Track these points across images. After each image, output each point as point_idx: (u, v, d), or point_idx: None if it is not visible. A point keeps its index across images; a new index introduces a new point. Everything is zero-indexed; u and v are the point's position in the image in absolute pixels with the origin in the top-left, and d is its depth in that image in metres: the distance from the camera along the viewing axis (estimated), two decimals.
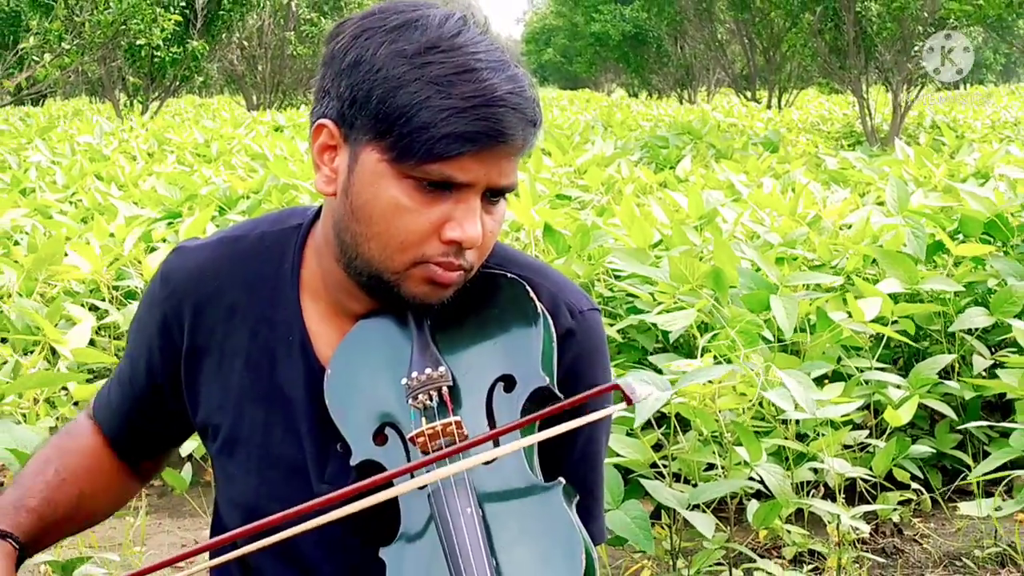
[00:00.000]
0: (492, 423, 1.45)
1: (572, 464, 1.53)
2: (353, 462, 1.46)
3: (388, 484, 1.41)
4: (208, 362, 1.60)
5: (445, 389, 1.46)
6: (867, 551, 3.21)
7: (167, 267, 1.64)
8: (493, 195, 1.45)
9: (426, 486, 1.40)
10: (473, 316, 1.54)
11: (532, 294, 1.53)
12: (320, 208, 1.59)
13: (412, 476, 1.41)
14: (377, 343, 1.53)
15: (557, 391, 1.46)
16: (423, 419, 1.44)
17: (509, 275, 1.56)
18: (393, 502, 1.41)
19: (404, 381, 1.46)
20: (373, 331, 1.54)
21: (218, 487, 1.66)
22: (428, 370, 1.46)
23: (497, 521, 1.39)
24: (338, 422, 1.49)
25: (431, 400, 1.45)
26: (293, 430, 1.56)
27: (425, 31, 1.40)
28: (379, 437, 1.47)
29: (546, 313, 1.52)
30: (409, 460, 1.43)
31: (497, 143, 1.39)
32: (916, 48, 15.53)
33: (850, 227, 4.65)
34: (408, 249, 1.43)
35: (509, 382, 1.47)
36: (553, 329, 1.51)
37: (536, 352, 1.49)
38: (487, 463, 1.41)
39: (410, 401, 1.45)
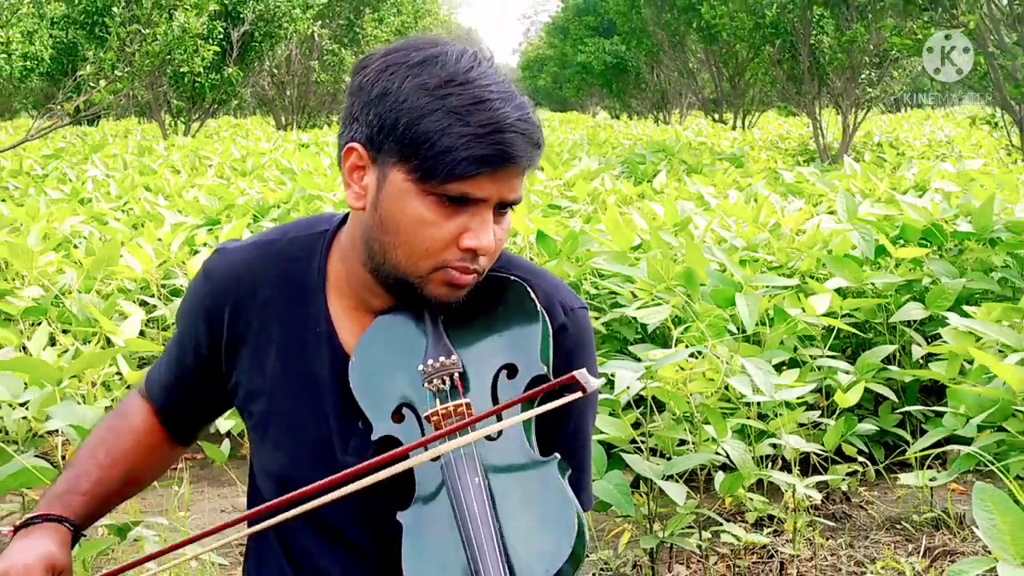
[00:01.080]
0: (496, 405, 1.46)
1: (564, 442, 1.52)
2: (374, 437, 1.46)
3: (404, 457, 1.41)
4: (245, 350, 1.60)
5: (456, 375, 1.47)
6: (819, 516, 3.21)
7: (209, 265, 1.64)
8: (502, 207, 1.46)
9: (439, 458, 1.40)
10: (481, 312, 1.54)
11: (532, 294, 1.54)
12: (344, 216, 1.60)
13: (426, 449, 1.41)
14: (396, 335, 1.53)
15: (553, 378, 1.47)
16: (437, 400, 1.45)
17: (512, 277, 1.56)
18: (409, 472, 1.41)
19: (420, 367, 1.47)
20: (392, 324, 1.54)
21: (253, 459, 1.66)
22: (442, 358, 1.47)
23: (501, 490, 1.39)
24: (360, 402, 1.49)
25: (444, 384, 1.46)
26: (320, 410, 1.56)
27: (444, 66, 1.42)
28: (396, 415, 1.47)
29: (543, 310, 1.53)
30: (423, 436, 1.44)
31: (508, 164, 1.41)
32: (863, 76, 15.54)
33: (804, 233, 4.66)
34: (431, 256, 1.44)
35: (512, 370, 1.48)
36: (549, 324, 1.53)
37: (535, 344, 1.50)
38: (490, 438, 1.42)
39: (425, 385, 1.46)
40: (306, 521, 1.48)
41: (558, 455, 1.43)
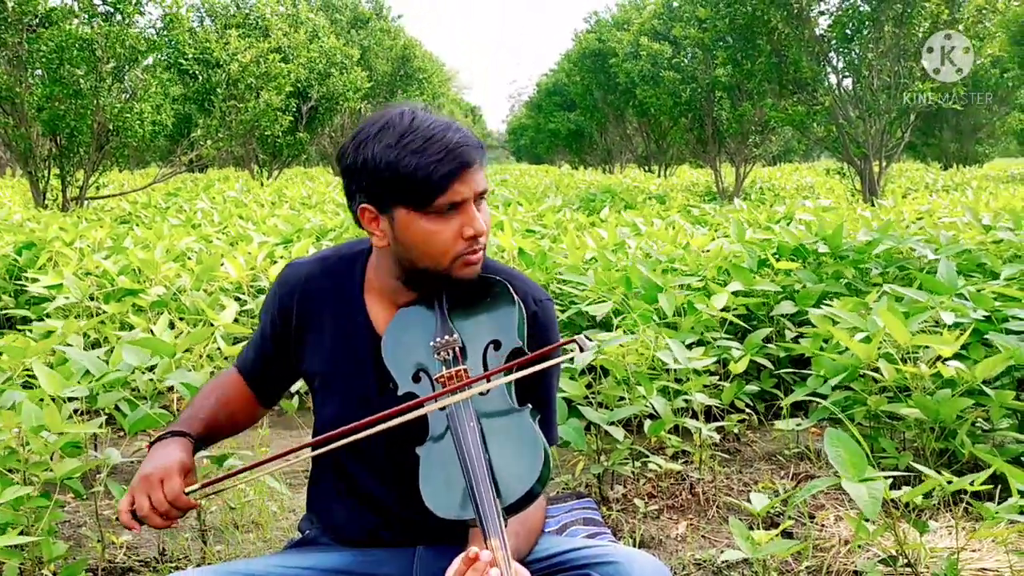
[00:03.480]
0: (486, 370, 1.47)
1: (537, 395, 1.53)
2: (399, 393, 1.47)
3: (420, 406, 1.42)
4: (309, 335, 1.61)
5: (457, 348, 1.48)
6: (717, 451, 3.21)
7: (283, 276, 1.65)
8: (479, 198, 1.47)
9: (445, 407, 1.41)
10: (474, 303, 1.55)
11: (511, 290, 1.55)
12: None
13: (436, 401, 1.42)
14: (413, 321, 1.54)
15: (527, 350, 1.49)
16: (443, 367, 1.46)
17: (497, 278, 1.57)
18: (423, 417, 1.42)
19: (431, 343, 1.48)
20: (410, 314, 1.55)
21: (316, 412, 1.65)
22: (447, 336, 1.48)
23: (490, 430, 1.39)
24: (390, 368, 1.50)
25: (449, 355, 1.47)
26: (362, 376, 1.56)
27: (394, 127, 1.43)
28: (415, 377, 1.48)
29: (520, 301, 1.53)
30: (433, 391, 1.45)
31: (467, 167, 1.42)
32: (750, 140, 15.60)
33: (709, 251, 4.66)
34: (447, 253, 1.45)
35: (497, 344, 1.49)
36: (524, 312, 1.53)
37: (514, 326, 1.50)
38: (482, 393, 1.42)
39: (435, 355, 1.47)
40: (352, 453, 1.49)
41: (530, 405, 1.44)
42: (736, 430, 3.50)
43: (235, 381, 1.71)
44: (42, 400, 2.15)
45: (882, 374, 2.68)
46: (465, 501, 1.33)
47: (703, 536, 2.57)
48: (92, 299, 4.12)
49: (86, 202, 10.45)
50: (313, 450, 1.49)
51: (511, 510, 1.34)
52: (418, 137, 1.41)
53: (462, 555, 1.28)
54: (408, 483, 1.47)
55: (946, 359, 2.64)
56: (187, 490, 1.44)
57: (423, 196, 1.40)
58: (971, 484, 1.76)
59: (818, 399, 2.90)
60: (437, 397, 1.43)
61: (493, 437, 1.39)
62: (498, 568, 1.25)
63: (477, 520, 1.30)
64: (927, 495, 1.98)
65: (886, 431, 2.93)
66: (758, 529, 1.98)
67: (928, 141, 25.37)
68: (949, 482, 1.72)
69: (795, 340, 3.72)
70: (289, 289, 1.63)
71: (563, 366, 2.68)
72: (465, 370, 1.46)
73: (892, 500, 1.79)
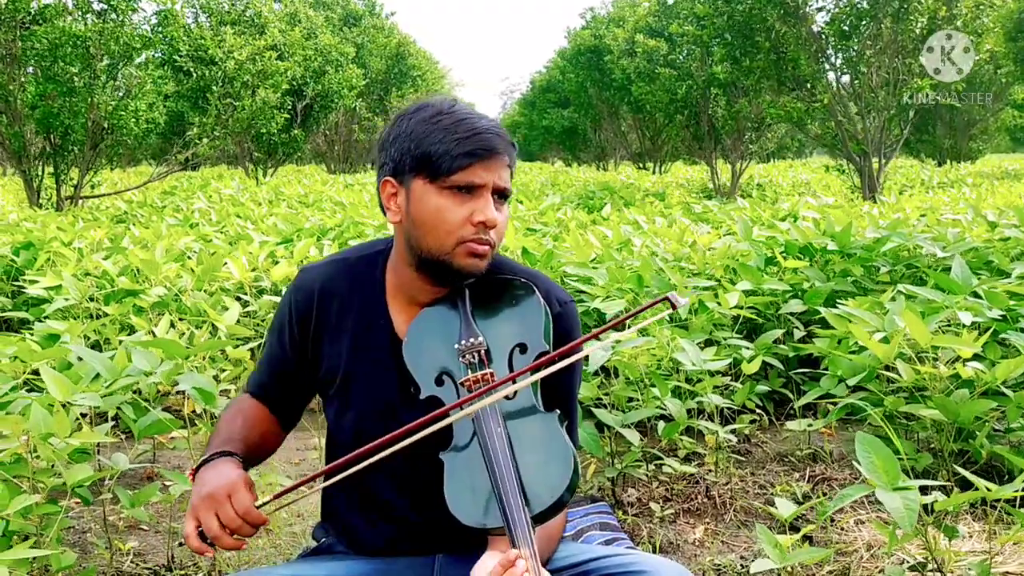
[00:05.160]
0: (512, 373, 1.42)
1: (559, 399, 1.49)
2: (421, 397, 1.43)
3: (446, 415, 1.36)
4: (327, 338, 1.56)
5: (483, 351, 1.43)
6: (729, 452, 3.18)
7: (298, 281, 1.60)
8: (499, 196, 1.44)
9: (470, 413, 1.36)
10: (499, 305, 1.51)
11: (536, 291, 1.51)
12: (391, 241, 1.57)
13: (462, 408, 1.36)
14: (436, 322, 1.49)
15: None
16: (468, 370, 1.42)
17: (521, 280, 1.53)
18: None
19: (456, 346, 1.44)
20: (433, 314, 1.50)
21: (331, 417, 1.60)
22: (472, 339, 1.44)
23: (517, 435, 1.35)
24: (412, 372, 1.45)
25: (474, 358, 1.42)
26: (384, 379, 1.51)
27: (433, 107, 1.45)
28: (438, 381, 1.43)
29: (544, 303, 1.49)
30: (459, 397, 1.40)
31: (491, 155, 1.41)
32: (746, 136, 15.58)
33: (713, 249, 4.62)
34: (452, 234, 1.41)
35: (523, 348, 1.44)
36: (549, 313, 1.49)
37: (540, 328, 1.46)
38: (508, 397, 1.38)
39: (460, 359, 1.42)
40: (371, 466, 1.43)
41: (558, 410, 1.39)
42: (747, 431, 3.47)
43: (254, 406, 1.63)
44: (51, 406, 2.10)
45: (899, 374, 2.64)
46: (492, 508, 1.28)
47: (722, 541, 2.53)
48: (92, 300, 4.06)
49: (81, 201, 10.37)
50: (332, 474, 1.42)
51: (539, 519, 1.30)
52: (452, 118, 1.42)
53: (499, 558, 1.24)
54: (428, 490, 1.44)
55: (966, 360, 2.61)
56: (257, 503, 1.34)
57: (439, 168, 1.39)
58: (1016, 491, 1.72)
59: (829, 400, 2.87)
60: (463, 404, 1.38)
61: (521, 443, 1.35)
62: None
63: (506, 529, 1.26)
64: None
65: (900, 432, 2.90)
66: (777, 533, 1.94)
67: (922, 138, 25.42)
68: (988, 489, 1.68)
69: (804, 340, 3.69)
70: (305, 294, 1.57)
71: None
72: (491, 374, 1.42)
73: (923, 505, 1.75)
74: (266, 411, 1.63)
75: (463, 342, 1.44)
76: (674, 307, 1.32)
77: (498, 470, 1.30)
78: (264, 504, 1.34)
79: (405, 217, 1.45)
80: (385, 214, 1.50)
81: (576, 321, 1.59)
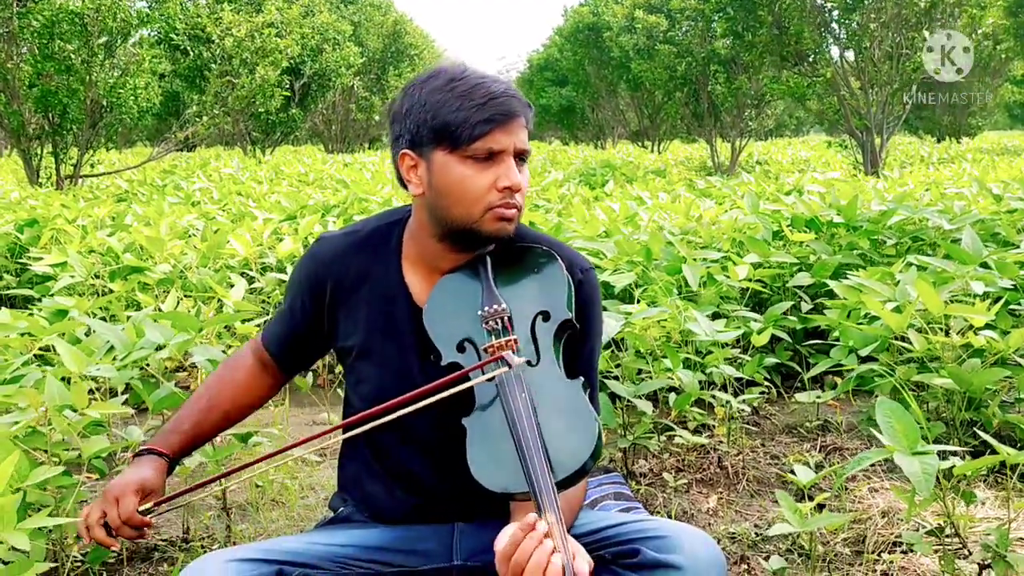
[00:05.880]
0: (535, 341, 1.42)
1: (581, 367, 1.49)
2: (442, 363, 1.42)
3: (467, 378, 1.37)
4: (342, 310, 1.55)
5: (507, 318, 1.42)
6: (738, 424, 3.18)
7: (313, 250, 1.60)
8: (519, 158, 1.43)
9: (494, 377, 1.36)
10: (521, 273, 1.50)
11: (559, 260, 1.50)
12: (409, 211, 1.56)
13: (484, 372, 1.37)
14: (457, 289, 1.49)
15: (576, 323, 1.45)
16: (492, 337, 1.41)
17: (543, 248, 1.52)
18: (469, 388, 1.37)
19: (479, 312, 1.43)
20: (455, 281, 1.50)
21: (349, 387, 1.60)
22: (495, 306, 1.43)
23: (541, 402, 1.34)
24: (432, 338, 1.45)
25: (497, 325, 1.42)
26: (402, 348, 1.51)
27: (445, 74, 1.42)
28: (459, 347, 1.43)
29: (567, 272, 1.48)
30: (480, 361, 1.39)
31: (510, 119, 1.39)
32: (745, 114, 15.53)
33: (719, 223, 4.60)
34: (479, 201, 1.41)
35: (546, 316, 1.44)
36: (571, 281, 1.48)
37: (563, 297, 1.45)
38: (531, 364, 1.38)
39: (483, 325, 1.42)
40: (389, 427, 1.42)
41: (582, 378, 1.38)
42: (756, 403, 3.47)
43: (245, 370, 1.67)
44: (63, 379, 2.09)
45: (911, 344, 2.64)
46: (517, 474, 1.27)
47: (735, 510, 2.53)
48: (97, 277, 4.05)
49: (80, 180, 10.32)
50: (346, 431, 1.45)
51: (562, 485, 1.29)
52: (466, 84, 1.39)
53: (519, 522, 1.23)
54: (448, 458, 1.43)
55: (978, 329, 2.60)
56: (141, 508, 1.46)
57: (462, 137, 1.38)
58: None
59: (836, 374, 2.86)
60: (484, 367, 1.37)
61: (545, 410, 1.34)
62: (552, 541, 1.20)
63: (532, 494, 1.25)
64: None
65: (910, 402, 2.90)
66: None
67: (921, 114, 25.32)
68: (1008, 454, 1.68)
69: (811, 313, 3.68)
70: (321, 263, 1.57)
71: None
72: (515, 340, 1.41)
73: (940, 471, 1.75)
74: (259, 368, 1.67)
75: (486, 308, 1.43)
76: (509, 366, 1.35)
77: (523, 435, 1.29)
78: (146, 509, 1.47)
79: (428, 189, 1.44)
80: (405, 187, 1.49)
81: (596, 288, 1.58)
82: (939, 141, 24.25)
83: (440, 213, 1.44)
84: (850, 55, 11.55)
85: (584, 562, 1.21)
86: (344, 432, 1.50)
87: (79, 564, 2.12)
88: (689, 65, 15.83)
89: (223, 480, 1.50)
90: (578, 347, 1.51)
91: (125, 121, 10.23)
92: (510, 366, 1.35)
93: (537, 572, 1.18)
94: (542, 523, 1.22)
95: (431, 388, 1.37)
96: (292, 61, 16.19)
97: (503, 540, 1.25)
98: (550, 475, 1.27)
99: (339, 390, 3.84)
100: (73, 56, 9.54)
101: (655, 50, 16.73)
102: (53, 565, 1.98)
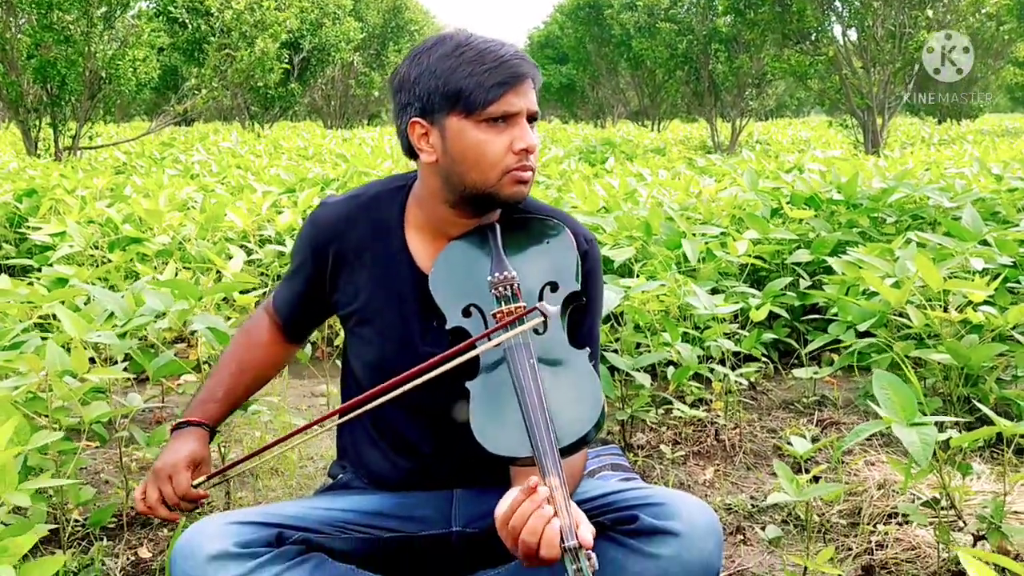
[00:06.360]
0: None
1: (582, 337, 1.48)
2: (448, 327, 1.42)
3: (473, 346, 1.36)
4: (345, 273, 1.54)
5: (516, 285, 1.42)
6: (736, 398, 3.19)
7: (315, 215, 1.59)
8: (531, 119, 1.43)
9: (501, 343, 1.35)
10: (529, 242, 1.50)
11: (568, 230, 1.51)
12: (414, 176, 1.55)
13: (490, 339, 1.36)
14: (465, 255, 1.48)
15: (583, 295, 1.47)
16: (500, 303, 1.41)
17: (553, 220, 1.53)
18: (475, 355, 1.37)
19: (489, 279, 1.43)
20: (462, 246, 1.50)
21: (351, 352, 1.60)
22: (505, 272, 1.43)
23: (547, 369, 1.34)
24: (438, 302, 1.44)
25: (506, 291, 1.41)
26: (404, 313, 1.50)
27: (451, 40, 1.42)
28: (465, 312, 1.42)
29: (574, 242, 1.49)
30: (487, 328, 1.39)
31: (521, 81, 1.39)
32: (746, 93, 15.46)
33: (719, 200, 4.59)
34: (496, 165, 1.41)
35: (554, 286, 1.44)
36: (578, 251, 1.48)
37: (572, 268, 1.46)
38: (538, 332, 1.38)
39: (492, 291, 1.41)
40: (392, 400, 1.42)
41: (588, 348, 1.38)
42: (753, 378, 3.47)
43: (264, 331, 1.69)
44: (63, 346, 2.09)
45: (910, 319, 2.64)
46: (521, 438, 1.27)
47: (732, 483, 2.55)
48: (96, 248, 4.04)
49: (79, 152, 10.28)
50: (341, 416, 1.46)
51: (564, 453, 1.29)
52: (474, 49, 1.39)
53: (520, 487, 1.23)
54: (448, 424, 1.44)
55: (976, 305, 2.60)
56: (195, 483, 1.50)
57: (473, 102, 1.37)
58: None
59: (833, 350, 2.86)
60: (491, 334, 1.37)
61: (550, 376, 1.34)
62: (551, 506, 1.20)
63: (535, 458, 1.25)
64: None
65: (908, 379, 2.90)
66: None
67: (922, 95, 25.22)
68: (1005, 426, 1.68)
69: (807, 290, 3.68)
70: (323, 228, 1.56)
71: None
72: (523, 307, 1.41)
73: (937, 443, 1.76)
74: (276, 334, 1.69)
75: (495, 275, 1.43)
76: (545, 316, 1.35)
77: (528, 400, 1.29)
78: (200, 484, 1.51)
79: (442, 156, 1.43)
80: (413, 157, 1.48)
81: (599, 259, 1.58)
82: (940, 122, 24.16)
83: (456, 179, 1.43)
84: (852, 33, 11.49)
85: (588, 531, 1.21)
86: (367, 404, 1.48)
87: (79, 527, 2.13)
88: (690, 43, 15.75)
89: (273, 449, 1.50)
90: (580, 317, 1.51)
91: (123, 93, 10.17)
92: (545, 316, 1.34)
93: (533, 535, 1.18)
94: (543, 487, 1.21)
95: (442, 358, 1.36)
96: (291, 35, 16.10)
97: (504, 504, 1.26)
98: (555, 439, 1.27)
99: (338, 361, 3.84)
100: (72, 27, 9.47)
101: (656, 28, 16.64)
102: (54, 527, 1.99)
